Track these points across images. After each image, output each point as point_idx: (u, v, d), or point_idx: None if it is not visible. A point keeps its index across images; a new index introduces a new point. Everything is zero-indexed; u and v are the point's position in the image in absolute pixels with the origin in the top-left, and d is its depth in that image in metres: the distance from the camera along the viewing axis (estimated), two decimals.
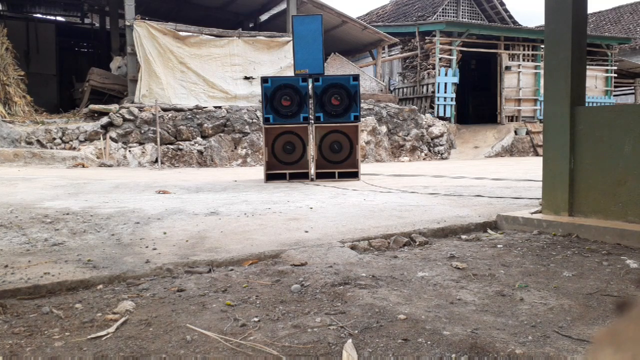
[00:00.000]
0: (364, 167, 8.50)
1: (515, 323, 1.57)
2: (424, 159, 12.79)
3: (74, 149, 9.39)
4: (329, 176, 6.40)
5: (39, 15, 17.29)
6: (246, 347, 1.41)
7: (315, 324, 1.56)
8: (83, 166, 8.73)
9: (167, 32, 10.85)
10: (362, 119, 11.03)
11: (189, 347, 1.42)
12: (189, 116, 10.33)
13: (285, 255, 2.43)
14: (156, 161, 9.66)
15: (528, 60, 15.63)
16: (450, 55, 14.62)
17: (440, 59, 14.51)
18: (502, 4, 21.37)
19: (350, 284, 1.98)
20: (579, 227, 2.85)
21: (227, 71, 11.48)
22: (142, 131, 9.88)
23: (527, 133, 14.69)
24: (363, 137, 11.63)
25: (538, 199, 3.74)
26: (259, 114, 10.77)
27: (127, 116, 9.85)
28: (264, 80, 6.21)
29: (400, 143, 12.61)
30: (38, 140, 9.30)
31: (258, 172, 7.86)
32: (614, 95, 18.20)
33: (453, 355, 1.34)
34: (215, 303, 1.79)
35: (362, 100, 12.38)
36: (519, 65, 15.31)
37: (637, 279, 2.04)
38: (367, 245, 2.70)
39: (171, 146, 9.97)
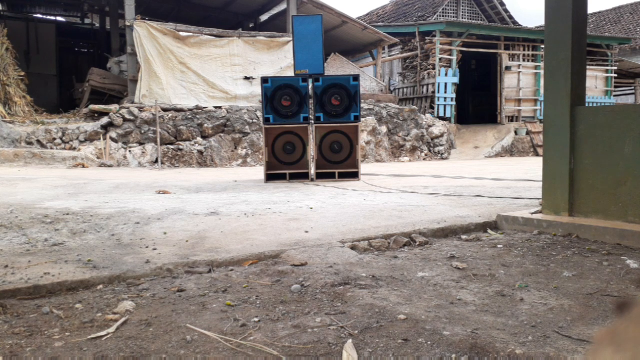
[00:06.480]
0: (364, 167, 8.50)
1: (515, 323, 1.57)
2: (424, 159, 12.79)
3: (74, 149, 9.39)
4: (329, 176, 6.40)
5: (39, 15, 17.29)
6: (246, 347, 1.41)
7: (315, 324, 1.56)
8: (83, 166, 8.73)
9: (167, 32, 10.85)
10: (362, 119, 11.05)
11: (189, 347, 1.42)
12: (189, 116, 10.33)
13: (285, 255, 2.43)
14: (156, 161, 9.66)
15: (528, 60, 15.63)
16: (450, 55, 14.62)
17: (440, 59, 14.51)
18: (502, 4, 21.36)
19: (350, 284, 1.98)
20: (579, 227, 2.85)
21: (227, 71, 11.47)
22: (142, 131, 9.87)
23: (527, 133, 14.69)
24: (363, 137, 11.62)
25: (538, 199, 3.74)
26: (259, 114, 10.77)
27: (127, 116, 9.85)
28: (264, 80, 6.20)
29: (400, 143, 12.61)
30: (38, 140, 9.30)
31: (258, 172, 7.86)
32: (614, 95, 18.20)
33: (453, 355, 1.34)
34: (215, 303, 1.79)
35: (362, 100, 12.38)
36: (519, 65, 15.31)
37: (637, 279, 2.04)
38: (367, 245, 2.69)
39: (171, 146, 9.96)
